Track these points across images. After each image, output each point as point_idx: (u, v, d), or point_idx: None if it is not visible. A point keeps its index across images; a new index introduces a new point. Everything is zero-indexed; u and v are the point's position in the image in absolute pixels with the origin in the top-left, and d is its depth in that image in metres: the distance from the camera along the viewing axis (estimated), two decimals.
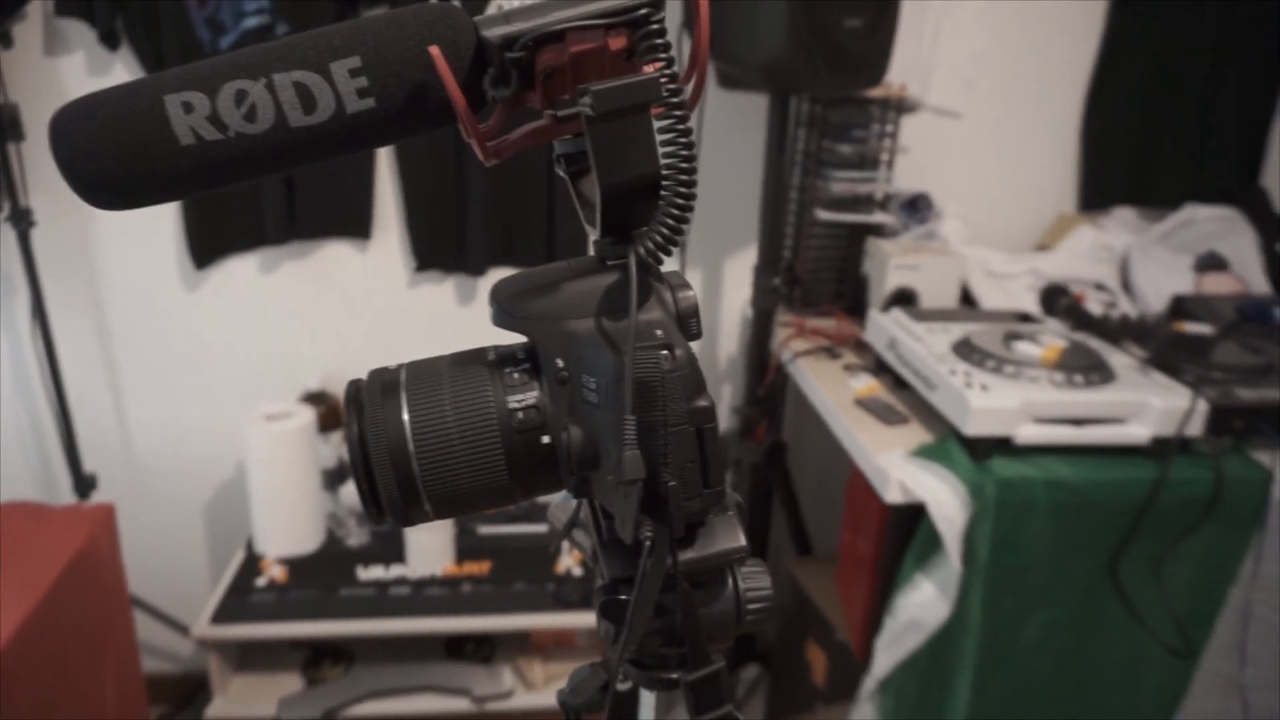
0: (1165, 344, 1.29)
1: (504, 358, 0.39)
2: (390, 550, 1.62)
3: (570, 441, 0.37)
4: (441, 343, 0.44)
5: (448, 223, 1.67)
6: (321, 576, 1.55)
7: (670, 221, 0.35)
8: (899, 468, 1.10)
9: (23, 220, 1.49)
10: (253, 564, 1.58)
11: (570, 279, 0.38)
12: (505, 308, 0.38)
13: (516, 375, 0.38)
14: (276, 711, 1.45)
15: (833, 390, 1.34)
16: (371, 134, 0.37)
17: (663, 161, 0.34)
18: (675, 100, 0.33)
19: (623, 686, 0.44)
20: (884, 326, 1.35)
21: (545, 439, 0.37)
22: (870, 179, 1.58)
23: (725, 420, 1.81)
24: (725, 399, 1.84)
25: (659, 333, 0.36)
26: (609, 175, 0.34)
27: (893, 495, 1.10)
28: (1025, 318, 1.40)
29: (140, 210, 1.40)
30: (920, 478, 1.09)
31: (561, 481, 0.39)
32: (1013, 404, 1.09)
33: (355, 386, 0.39)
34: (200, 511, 1.84)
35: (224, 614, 1.47)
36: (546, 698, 1.54)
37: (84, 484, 1.65)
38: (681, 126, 0.34)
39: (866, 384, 1.34)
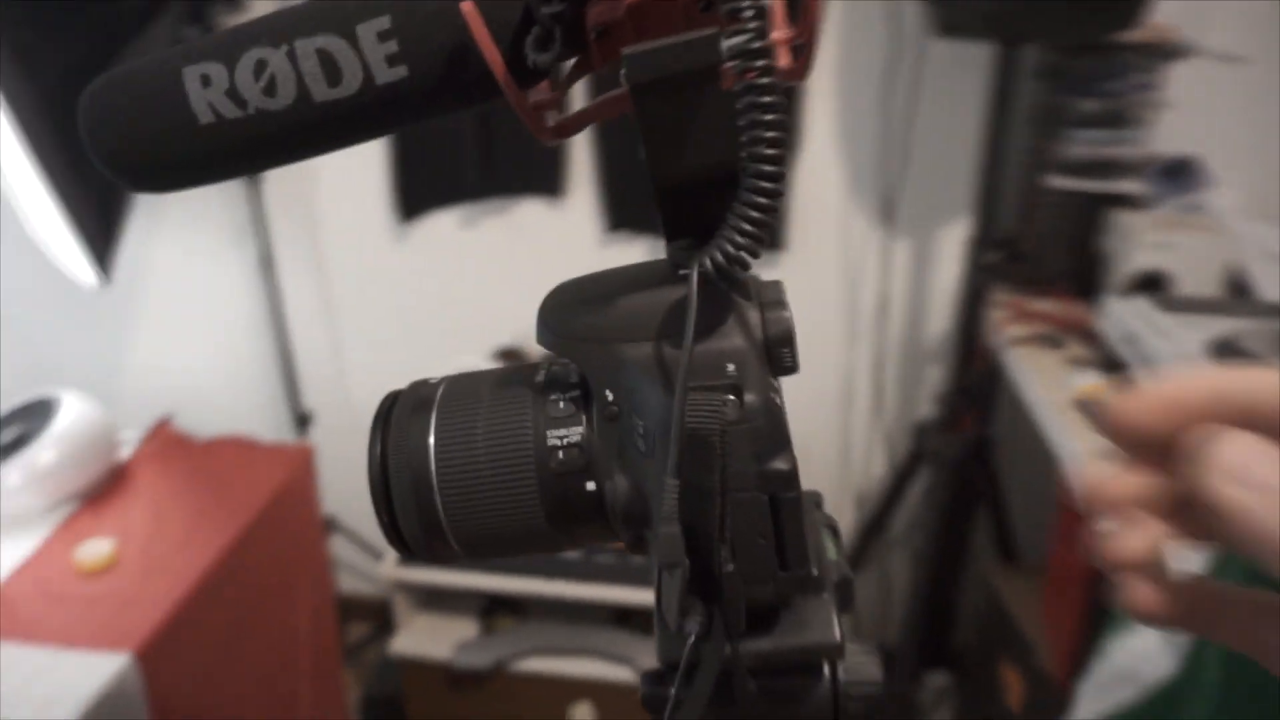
0: None
1: (553, 381, 0.32)
2: None
3: (615, 492, 0.30)
4: None
5: (640, 182, 1.61)
6: None
7: (745, 226, 0.26)
8: None
9: (252, 174, 1.61)
10: None
11: (631, 290, 0.30)
12: (548, 322, 0.31)
13: (563, 404, 0.31)
14: (452, 655, 1.52)
15: (1049, 386, 1.16)
16: (408, 109, 0.31)
17: (744, 149, 0.26)
18: (756, 67, 0.24)
19: None
20: (1121, 316, 1.14)
21: (590, 485, 0.31)
22: (1120, 139, 1.34)
23: (927, 408, 1.65)
24: (929, 385, 1.68)
25: (730, 368, 0.28)
26: (661, 165, 0.26)
27: None
28: None
29: (355, 163, 1.43)
30: None
31: (614, 533, 0.32)
32: None
33: (391, 399, 0.34)
34: None
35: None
36: None
37: (303, 419, 1.79)
38: (762, 102, 0.25)
39: (1091, 383, 1.15)
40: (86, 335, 1.92)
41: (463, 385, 0.33)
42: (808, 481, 0.28)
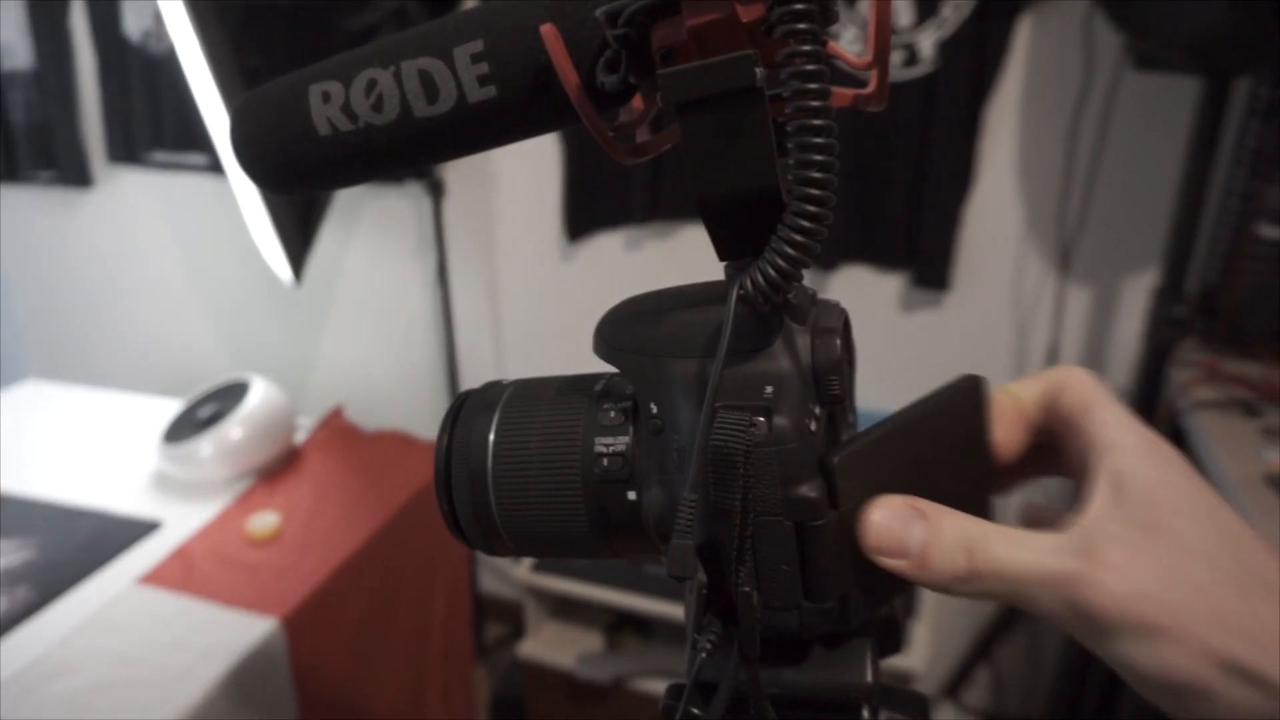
0: None
1: (609, 391, 0.33)
2: None
3: (651, 504, 0.30)
4: None
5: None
6: None
7: (787, 250, 0.26)
8: None
9: (437, 190, 1.73)
10: None
11: (684, 307, 0.30)
12: (603, 333, 0.32)
13: (614, 414, 0.31)
14: (575, 665, 1.54)
15: (1237, 458, 1.04)
16: (498, 127, 0.33)
17: (791, 173, 0.25)
18: (805, 90, 0.24)
19: None
20: None
21: (631, 495, 0.31)
22: None
23: None
24: None
25: (768, 390, 0.27)
26: (700, 184, 0.26)
27: None
28: None
29: (530, 183, 1.52)
30: None
31: (656, 549, 0.32)
32: None
33: (464, 396, 0.35)
34: None
35: (543, 564, 1.59)
36: None
37: None
38: (812, 125, 0.24)
39: None
40: (280, 328, 2.12)
41: (529, 389, 0.34)
42: None
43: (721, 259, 0.30)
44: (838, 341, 0.28)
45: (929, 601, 1.50)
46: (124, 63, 1.92)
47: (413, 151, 0.34)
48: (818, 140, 0.24)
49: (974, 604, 1.54)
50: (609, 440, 0.31)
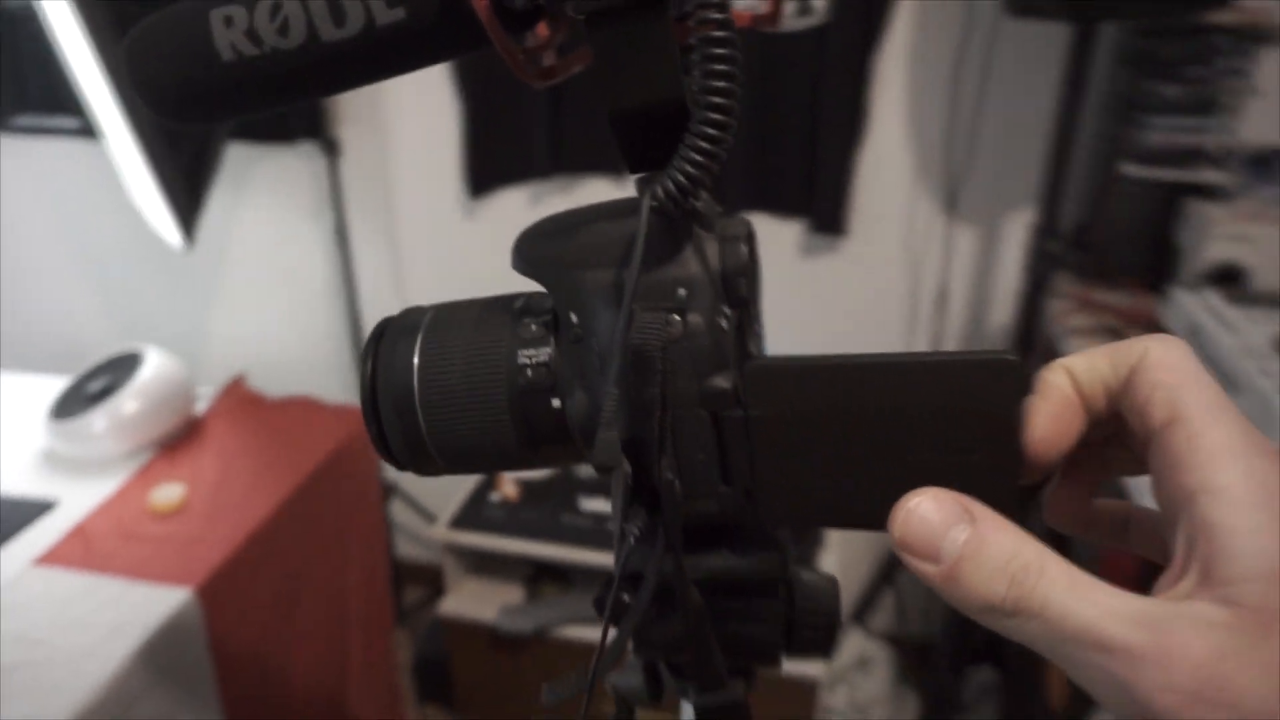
0: None
1: (529, 307, 0.34)
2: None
3: (575, 409, 0.31)
4: None
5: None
6: (550, 501, 1.63)
7: (694, 156, 0.27)
8: None
9: (331, 148, 1.68)
10: (491, 479, 1.69)
11: (598, 220, 0.32)
12: (521, 249, 0.33)
13: (535, 328, 0.33)
14: (497, 618, 1.56)
15: None
16: (407, 51, 0.33)
17: (697, 85, 0.27)
18: (707, 3, 0.26)
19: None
20: (1187, 308, 1.10)
21: (555, 402, 0.32)
22: (1204, 127, 1.29)
23: None
24: None
25: (681, 292, 0.29)
26: (610, 96, 0.28)
27: None
28: None
29: (429, 139, 1.48)
30: None
31: (582, 455, 0.34)
32: None
33: (384, 323, 0.36)
34: None
35: (461, 521, 1.59)
36: None
37: None
38: (714, 36, 0.26)
39: None
40: (173, 296, 2.03)
41: (449, 311, 0.35)
42: None
43: (632, 172, 0.31)
44: (744, 247, 0.30)
45: (833, 531, 1.57)
46: None
47: (321, 76, 0.34)
48: (721, 52, 0.26)
49: (876, 534, 1.62)
50: (531, 352, 0.32)
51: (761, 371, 0.29)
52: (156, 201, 1.41)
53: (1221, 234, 1.21)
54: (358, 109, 1.74)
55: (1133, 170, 1.32)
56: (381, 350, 0.35)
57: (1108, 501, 0.29)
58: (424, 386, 0.33)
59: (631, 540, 0.29)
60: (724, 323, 0.29)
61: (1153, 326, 1.22)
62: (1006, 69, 1.43)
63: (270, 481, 1.25)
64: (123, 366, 1.36)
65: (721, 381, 0.29)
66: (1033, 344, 1.36)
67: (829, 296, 1.67)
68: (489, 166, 1.76)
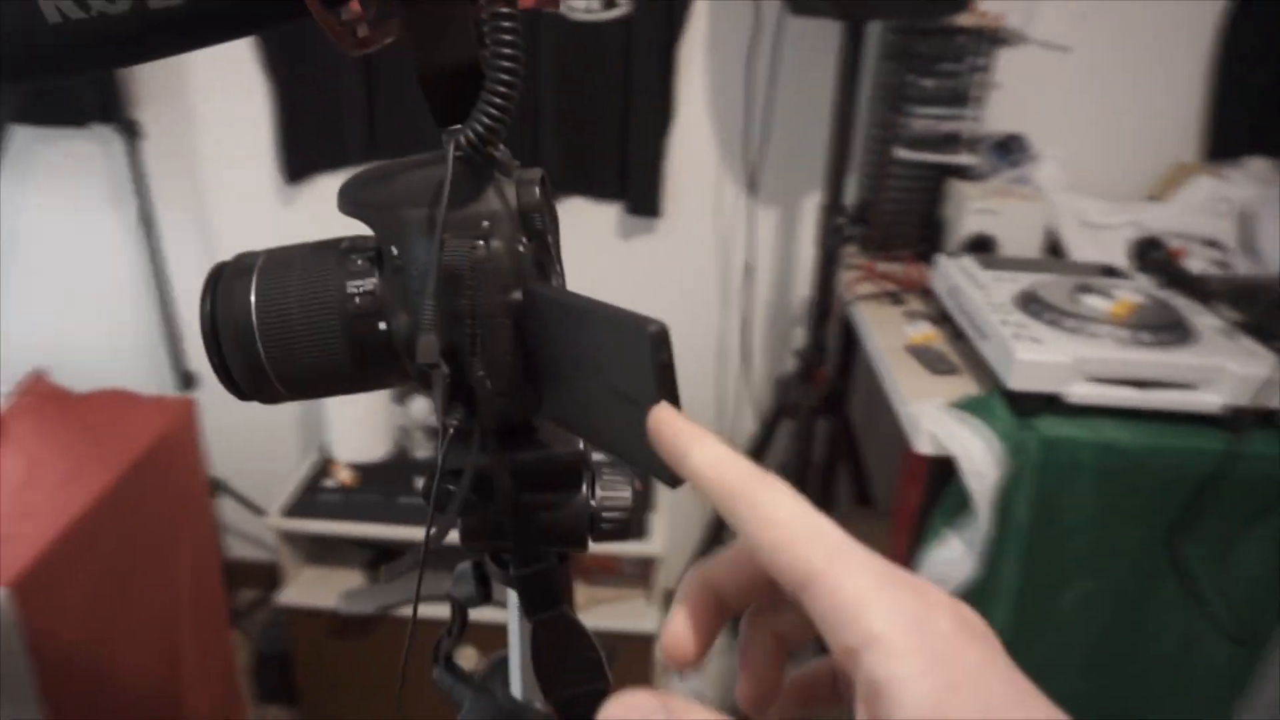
0: (1269, 308, 1.17)
1: (354, 246, 0.39)
2: None
3: (399, 328, 0.37)
4: None
5: (520, 141, 1.68)
6: (386, 484, 1.64)
7: (490, 111, 0.34)
8: (931, 418, 1.05)
9: (131, 131, 1.60)
10: (325, 466, 1.68)
11: (412, 168, 0.38)
12: (347, 194, 0.39)
13: (360, 262, 0.38)
14: (338, 603, 1.56)
15: (887, 335, 1.29)
16: (238, 19, 0.37)
17: (489, 51, 0.34)
18: None
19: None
20: (948, 272, 1.28)
21: (382, 325, 0.38)
22: (956, 116, 1.48)
23: (788, 363, 1.78)
24: (794, 343, 1.80)
25: (485, 224, 0.36)
26: (419, 60, 0.34)
27: (923, 446, 1.05)
28: (1110, 271, 1.29)
29: (239, 124, 1.46)
30: (953, 430, 1.04)
31: (407, 373, 0.39)
32: (1064, 359, 1.02)
33: (219, 267, 0.40)
34: (287, 411, 1.96)
35: (295, 509, 1.58)
36: (589, 620, 1.58)
37: (187, 378, 1.79)
38: (502, 12, 0.33)
39: (923, 332, 1.28)
40: None
41: (280, 253, 0.40)
42: None
43: (440, 126, 0.37)
44: (537, 188, 0.37)
45: (664, 496, 1.68)
46: None
47: (148, 41, 0.37)
48: (507, 24, 0.33)
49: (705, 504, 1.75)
50: (359, 283, 0.38)
51: (529, 294, 0.36)
52: None
53: (974, 209, 1.40)
54: (156, 89, 1.67)
55: (903, 154, 1.50)
56: (220, 290, 0.39)
57: (802, 670, 0.28)
58: (262, 318, 0.38)
59: (451, 430, 0.36)
60: (521, 249, 0.36)
61: (926, 291, 1.40)
62: (793, 62, 1.58)
63: (84, 476, 1.20)
64: None
65: (518, 295, 0.36)
66: (829, 310, 1.52)
67: (648, 275, 1.78)
68: (304, 152, 1.73)
